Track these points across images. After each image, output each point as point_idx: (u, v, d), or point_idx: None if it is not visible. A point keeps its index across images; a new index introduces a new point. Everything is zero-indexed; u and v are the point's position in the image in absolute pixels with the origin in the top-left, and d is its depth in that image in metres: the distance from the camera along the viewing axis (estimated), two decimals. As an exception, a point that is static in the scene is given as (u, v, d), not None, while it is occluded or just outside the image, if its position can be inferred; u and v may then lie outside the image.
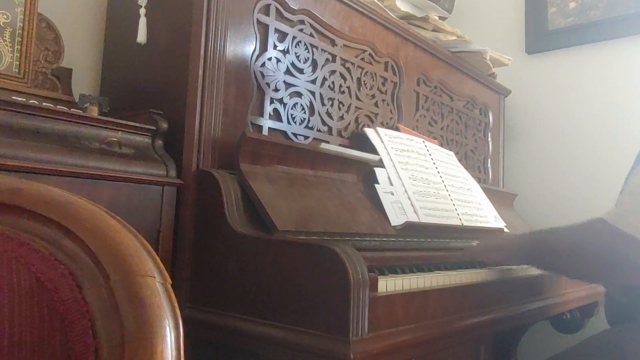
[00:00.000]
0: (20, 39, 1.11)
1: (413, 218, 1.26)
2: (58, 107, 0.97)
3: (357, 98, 1.46)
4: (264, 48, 1.21)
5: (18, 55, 1.11)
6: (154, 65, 1.21)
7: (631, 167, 1.15)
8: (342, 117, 1.41)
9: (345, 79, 1.42)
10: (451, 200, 1.45)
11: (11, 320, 0.57)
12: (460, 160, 1.75)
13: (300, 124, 1.28)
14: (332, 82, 1.38)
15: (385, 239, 1.19)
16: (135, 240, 0.62)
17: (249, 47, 1.17)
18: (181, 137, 1.07)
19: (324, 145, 1.26)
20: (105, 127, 1.00)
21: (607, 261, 0.98)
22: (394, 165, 1.35)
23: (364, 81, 1.49)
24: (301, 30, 1.30)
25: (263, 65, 1.20)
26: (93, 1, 1.43)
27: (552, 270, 1.26)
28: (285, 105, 1.24)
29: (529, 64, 2.30)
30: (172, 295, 0.59)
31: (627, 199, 0.99)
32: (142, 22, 1.20)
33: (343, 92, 1.41)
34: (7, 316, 0.57)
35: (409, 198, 1.30)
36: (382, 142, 1.39)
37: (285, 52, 1.26)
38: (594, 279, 1.29)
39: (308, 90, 1.31)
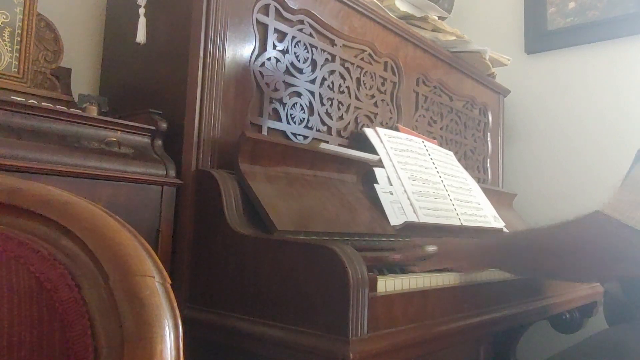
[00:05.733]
0: (19, 39, 1.11)
1: (412, 218, 1.26)
2: (57, 106, 0.97)
3: (357, 98, 1.46)
4: (263, 48, 1.21)
5: (17, 55, 1.11)
6: (153, 65, 1.21)
7: (630, 165, 1.15)
8: (341, 117, 1.41)
9: (344, 79, 1.42)
10: (450, 200, 1.45)
11: (10, 320, 0.57)
12: (459, 160, 1.75)
13: (299, 123, 1.28)
14: (332, 82, 1.38)
15: (384, 239, 1.19)
16: (134, 240, 0.62)
17: (249, 47, 1.17)
18: (180, 137, 1.07)
19: (323, 145, 1.26)
20: (105, 127, 1.00)
21: (609, 255, 0.97)
22: (393, 165, 1.35)
23: (364, 81, 1.49)
24: (300, 30, 1.30)
25: (262, 65, 1.20)
26: (92, 1, 1.43)
27: (539, 272, 1.19)
28: (284, 105, 1.24)
29: (528, 64, 2.30)
30: (172, 295, 0.59)
31: (626, 192, 0.99)
32: (141, 22, 1.20)
33: (342, 92, 1.41)
34: (6, 316, 0.57)
35: (408, 198, 1.30)
36: (382, 142, 1.39)
37: (284, 52, 1.26)
38: (592, 277, 1.23)
39: (307, 90, 1.31)
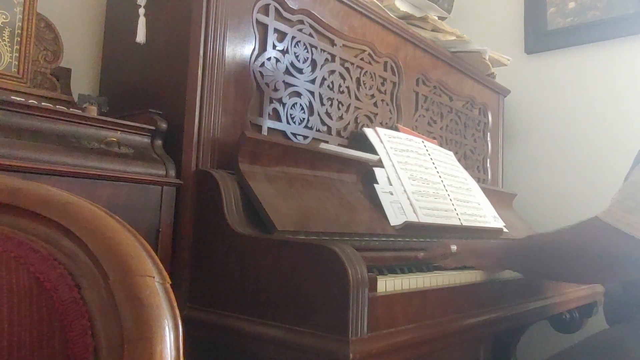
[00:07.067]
0: (19, 39, 1.11)
1: (412, 218, 1.26)
2: (57, 107, 0.96)
3: (357, 98, 1.46)
4: (263, 48, 1.21)
5: (17, 55, 1.11)
6: (153, 65, 1.21)
7: (630, 167, 1.15)
8: (341, 117, 1.41)
9: (344, 79, 1.42)
10: (450, 200, 1.45)
11: (10, 321, 0.57)
12: (459, 160, 1.75)
13: (299, 123, 1.28)
14: (332, 82, 1.38)
15: (384, 239, 1.19)
16: (134, 240, 0.61)
17: (248, 47, 1.17)
18: (180, 137, 1.07)
19: (323, 145, 1.26)
20: (105, 127, 1.00)
21: (606, 260, 0.98)
22: (393, 165, 1.35)
23: (363, 81, 1.49)
24: (300, 30, 1.30)
25: (262, 65, 1.20)
26: (92, 1, 1.43)
27: (544, 275, 1.24)
28: (284, 105, 1.24)
29: (528, 64, 2.30)
30: (172, 295, 0.59)
31: (623, 197, 0.99)
32: (141, 22, 1.19)
33: (342, 92, 1.41)
34: (6, 316, 0.57)
35: (408, 198, 1.30)
36: (382, 142, 1.39)
37: (284, 52, 1.26)
38: (592, 279, 1.28)
39: (307, 90, 1.31)
